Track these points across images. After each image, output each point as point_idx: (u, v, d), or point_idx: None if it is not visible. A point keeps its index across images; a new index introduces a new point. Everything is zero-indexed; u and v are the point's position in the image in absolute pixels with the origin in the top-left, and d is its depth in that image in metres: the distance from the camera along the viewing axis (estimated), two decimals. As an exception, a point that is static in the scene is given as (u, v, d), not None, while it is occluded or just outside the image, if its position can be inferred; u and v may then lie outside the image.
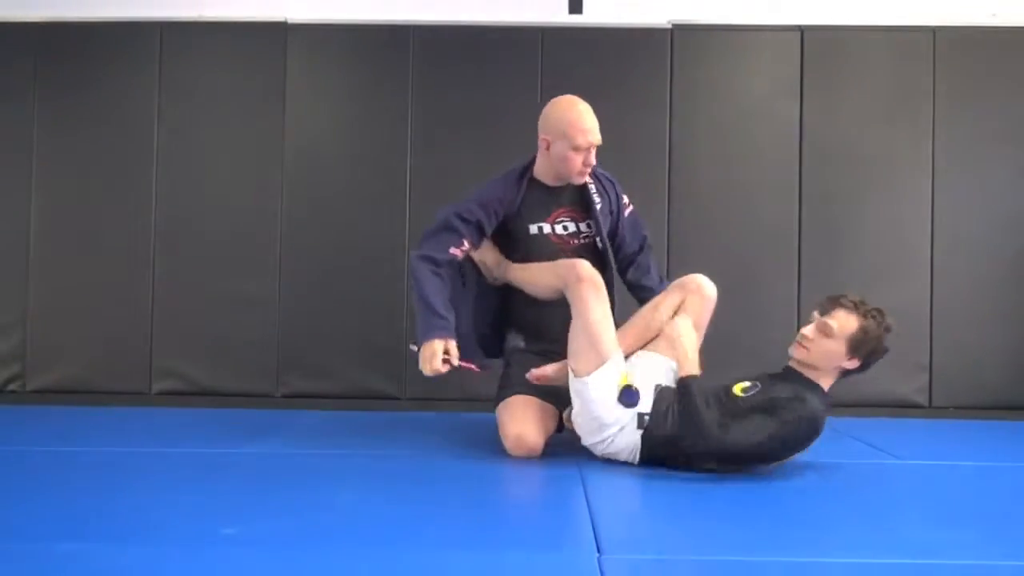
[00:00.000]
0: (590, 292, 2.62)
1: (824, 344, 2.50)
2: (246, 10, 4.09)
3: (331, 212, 4.03)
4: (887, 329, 2.52)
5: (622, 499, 2.35)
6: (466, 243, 2.84)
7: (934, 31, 4.04)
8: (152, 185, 4.05)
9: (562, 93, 2.93)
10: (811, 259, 3.99)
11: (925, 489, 2.53)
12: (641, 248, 3.11)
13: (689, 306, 2.76)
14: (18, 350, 4.03)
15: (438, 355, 2.72)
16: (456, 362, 2.74)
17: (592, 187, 2.95)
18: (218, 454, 2.84)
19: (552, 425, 2.85)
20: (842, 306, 2.50)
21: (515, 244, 2.95)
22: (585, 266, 2.68)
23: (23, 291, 4.03)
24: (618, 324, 2.73)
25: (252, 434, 3.17)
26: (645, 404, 2.56)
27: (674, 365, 2.66)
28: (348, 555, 1.73)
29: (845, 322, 2.48)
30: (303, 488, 2.35)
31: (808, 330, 2.53)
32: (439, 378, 2.79)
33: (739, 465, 2.49)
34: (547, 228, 2.94)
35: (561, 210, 2.95)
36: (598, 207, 2.95)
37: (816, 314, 2.55)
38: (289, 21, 4.08)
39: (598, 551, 1.76)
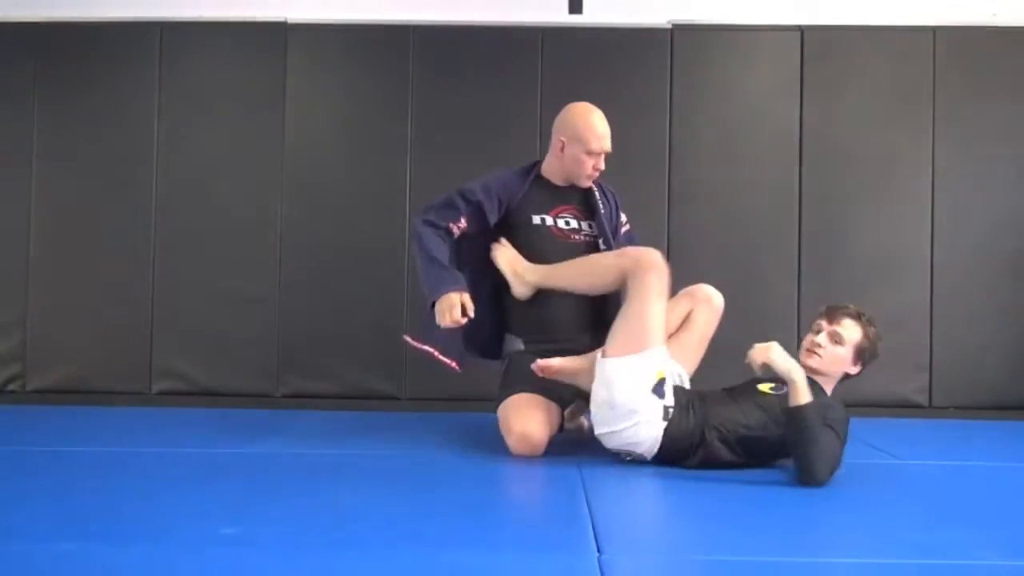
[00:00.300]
0: (657, 281, 2.65)
1: (834, 351, 2.59)
2: (246, 10, 4.09)
3: (331, 212, 4.03)
4: (880, 336, 2.63)
5: (622, 499, 2.35)
6: (463, 221, 2.92)
7: (934, 31, 4.04)
8: (152, 185, 4.05)
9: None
10: (811, 259, 4.00)
11: (925, 489, 2.54)
12: None
13: (698, 315, 2.83)
14: (18, 350, 4.03)
15: (457, 306, 2.78)
16: (472, 313, 2.80)
17: (596, 194, 3.04)
18: (218, 454, 2.84)
19: (556, 423, 2.87)
20: (848, 315, 2.60)
21: (516, 235, 2.99)
22: (656, 254, 2.71)
23: (23, 291, 4.03)
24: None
25: (252, 434, 3.17)
26: (669, 399, 2.60)
27: (681, 370, 2.75)
28: (348, 555, 1.73)
29: (852, 331, 2.59)
30: (303, 488, 2.35)
31: (821, 338, 2.60)
32: (453, 336, 2.88)
33: (764, 461, 2.55)
34: (549, 220, 2.99)
35: (564, 207, 3.02)
36: (601, 212, 3.02)
37: (824, 323, 2.61)
38: (289, 21, 4.08)
39: (598, 551, 1.75)
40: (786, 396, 2.45)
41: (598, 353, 2.68)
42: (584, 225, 3.02)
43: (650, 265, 2.67)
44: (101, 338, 4.01)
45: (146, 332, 4.01)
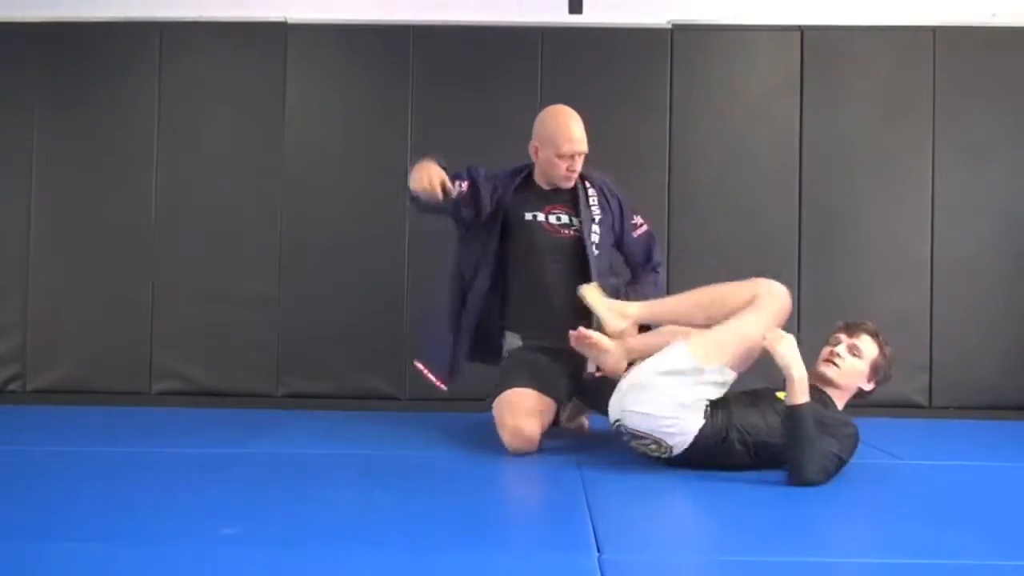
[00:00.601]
0: (776, 311, 2.61)
1: (852, 364, 2.62)
2: (246, 10, 4.09)
3: (331, 212, 4.03)
4: (894, 360, 2.68)
5: (622, 499, 2.35)
6: (465, 186, 2.96)
7: (934, 31, 4.04)
8: (152, 185, 4.05)
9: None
10: (811, 260, 3.99)
11: (925, 489, 2.53)
12: (643, 266, 3.19)
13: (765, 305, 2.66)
14: (18, 350, 4.03)
15: (434, 168, 2.81)
16: (450, 185, 2.83)
17: (593, 198, 3.07)
18: (218, 454, 2.84)
19: (549, 418, 2.89)
20: (867, 331, 2.65)
21: (510, 231, 3.04)
22: (783, 289, 2.66)
23: (23, 291, 4.03)
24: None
25: (252, 434, 3.17)
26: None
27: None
28: (348, 555, 1.73)
29: (870, 346, 2.63)
30: (303, 488, 2.35)
31: (840, 349, 2.62)
32: (443, 349, 3.01)
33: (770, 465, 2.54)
34: (540, 216, 3.06)
35: (554, 206, 3.07)
36: (597, 217, 3.05)
37: (843, 336, 2.64)
38: (289, 21, 4.08)
39: (598, 551, 1.76)
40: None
41: (630, 333, 2.72)
42: (574, 220, 3.06)
43: (781, 297, 2.64)
44: (101, 338, 4.01)
45: (146, 332, 4.01)
